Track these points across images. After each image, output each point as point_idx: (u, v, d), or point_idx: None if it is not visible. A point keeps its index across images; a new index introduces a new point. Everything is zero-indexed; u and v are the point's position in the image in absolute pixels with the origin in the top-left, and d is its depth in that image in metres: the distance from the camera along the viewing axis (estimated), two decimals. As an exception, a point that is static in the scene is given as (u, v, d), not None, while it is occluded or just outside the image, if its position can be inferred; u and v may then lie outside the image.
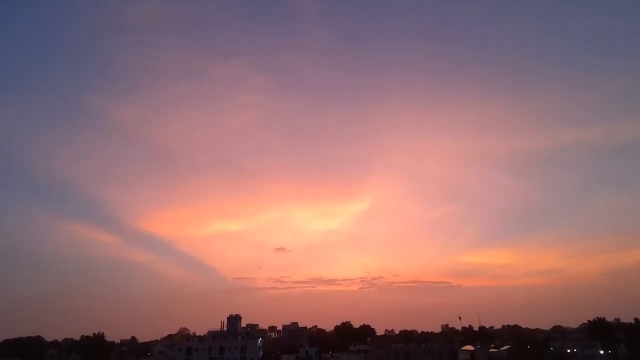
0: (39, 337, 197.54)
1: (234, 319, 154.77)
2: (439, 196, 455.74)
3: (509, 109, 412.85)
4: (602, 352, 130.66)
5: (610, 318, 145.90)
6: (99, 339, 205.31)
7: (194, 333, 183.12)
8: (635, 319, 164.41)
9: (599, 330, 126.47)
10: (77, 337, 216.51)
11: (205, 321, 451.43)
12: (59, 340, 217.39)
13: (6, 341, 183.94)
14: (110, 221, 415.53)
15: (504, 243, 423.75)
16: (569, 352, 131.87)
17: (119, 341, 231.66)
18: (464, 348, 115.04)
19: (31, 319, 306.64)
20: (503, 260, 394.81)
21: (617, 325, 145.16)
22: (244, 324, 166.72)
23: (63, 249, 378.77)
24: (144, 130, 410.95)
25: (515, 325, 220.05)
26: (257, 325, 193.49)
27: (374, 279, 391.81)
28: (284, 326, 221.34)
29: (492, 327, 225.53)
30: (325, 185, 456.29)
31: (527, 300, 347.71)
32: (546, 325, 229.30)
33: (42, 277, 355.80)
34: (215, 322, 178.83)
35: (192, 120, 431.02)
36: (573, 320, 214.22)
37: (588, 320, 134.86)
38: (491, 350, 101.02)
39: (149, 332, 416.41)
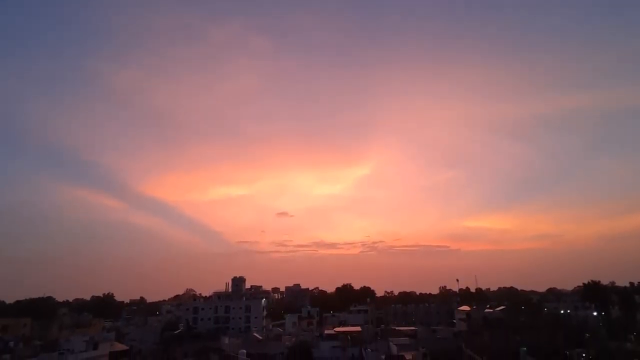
0: (50, 297, 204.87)
1: (238, 281, 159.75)
2: (440, 161, 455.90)
3: (512, 74, 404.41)
4: (595, 313, 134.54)
5: (605, 282, 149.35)
6: (108, 298, 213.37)
7: (200, 294, 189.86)
8: (631, 283, 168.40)
9: (594, 292, 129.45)
10: (88, 298, 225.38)
11: (211, 283, 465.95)
12: (70, 300, 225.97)
13: (18, 302, 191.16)
14: (114, 186, 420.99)
15: (504, 208, 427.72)
16: (562, 313, 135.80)
17: (128, 301, 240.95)
18: (460, 308, 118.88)
19: (42, 280, 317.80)
20: (502, 225, 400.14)
21: (612, 289, 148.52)
22: (247, 285, 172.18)
23: (69, 214, 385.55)
24: (142, 95, 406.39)
25: (511, 288, 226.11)
26: (261, 286, 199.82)
27: (374, 243, 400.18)
28: (286, 287, 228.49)
29: (489, 289, 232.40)
30: (327, 151, 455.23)
31: (524, 263, 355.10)
32: (542, 288, 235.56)
33: (50, 241, 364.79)
34: (220, 283, 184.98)
35: (191, 85, 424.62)
36: (569, 284, 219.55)
37: (583, 283, 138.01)
38: (486, 310, 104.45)
39: (157, 292, 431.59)
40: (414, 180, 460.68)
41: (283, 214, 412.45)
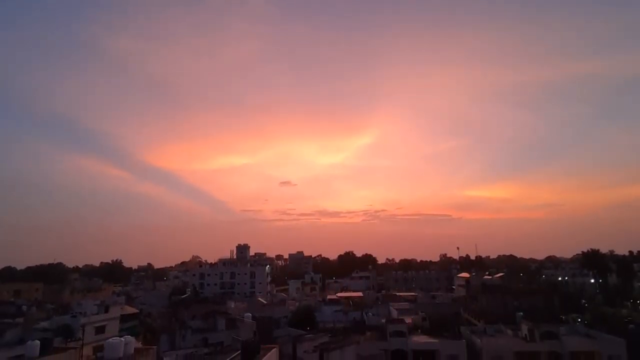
0: (60, 263, 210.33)
1: (242, 248, 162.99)
2: (444, 130, 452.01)
3: (519, 40, 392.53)
4: (592, 280, 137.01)
5: (604, 250, 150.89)
6: (117, 264, 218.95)
7: (206, 260, 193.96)
8: (630, 252, 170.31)
9: (592, 260, 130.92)
10: (97, 264, 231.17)
11: (216, 250, 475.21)
12: (80, 266, 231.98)
13: (29, 268, 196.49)
14: (117, 155, 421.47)
15: (506, 177, 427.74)
16: (560, 280, 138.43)
17: (136, 267, 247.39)
18: (459, 275, 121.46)
19: (51, 247, 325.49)
20: (504, 194, 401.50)
21: (611, 257, 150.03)
22: (252, 252, 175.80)
23: (74, 182, 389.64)
24: (141, 62, 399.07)
25: (511, 255, 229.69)
26: (265, 253, 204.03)
27: (376, 211, 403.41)
28: (289, 255, 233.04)
29: (488, 257, 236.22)
30: (330, 120, 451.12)
31: (524, 232, 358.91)
32: (541, 256, 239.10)
33: (57, 209, 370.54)
34: (225, 251, 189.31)
35: (191, 51, 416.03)
36: (568, 252, 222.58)
37: (582, 252, 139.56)
38: (485, 277, 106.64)
39: (164, 259, 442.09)
40: (417, 149, 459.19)
41: (286, 183, 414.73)
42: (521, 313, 60.20)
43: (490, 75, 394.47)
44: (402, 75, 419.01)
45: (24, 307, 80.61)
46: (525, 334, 49.46)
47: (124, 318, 70.48)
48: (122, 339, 25.85)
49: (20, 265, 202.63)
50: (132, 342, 26.08)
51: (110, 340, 26.10)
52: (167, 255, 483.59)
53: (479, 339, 49.06)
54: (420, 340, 50.75)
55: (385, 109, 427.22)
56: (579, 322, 68.71)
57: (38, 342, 26.22)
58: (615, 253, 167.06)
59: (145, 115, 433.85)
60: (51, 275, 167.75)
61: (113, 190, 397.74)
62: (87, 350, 50.37)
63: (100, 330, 59.59)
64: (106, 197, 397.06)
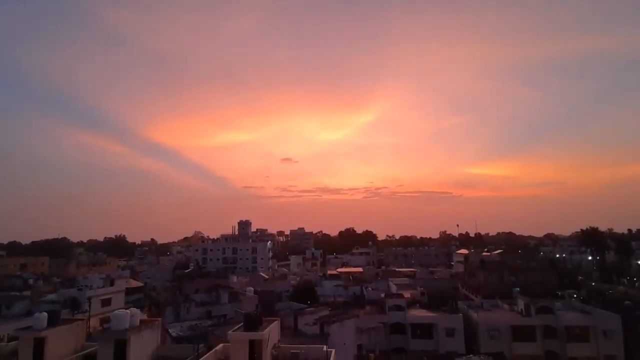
0: (64, 238, 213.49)
1: (244, 224, 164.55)
2: (447, 107, 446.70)
3: (525, 15, 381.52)
4: (590, 258, 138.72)
5: (603, 228, 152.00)
6: (121, 240, 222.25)
7: (208, 236, 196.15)
8: (629, 230, 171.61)
9: (591, 238, 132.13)
10: (101, 239, 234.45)
11: (218, 226, 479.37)
12: (84, 241, 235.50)
13: (34, 243, 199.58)
14: (117, 131, 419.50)
15: (508, 155, 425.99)
16: (557, 257, 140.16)
17: (139, 242, 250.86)
18: (458, 251, 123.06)
19: (54, 222, 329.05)
20: (506, 172, 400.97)
21: (609, 235, 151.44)
22: (253, 228, 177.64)
23: (74, 158, 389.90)
24: (141, 36, 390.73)
25: (510, 233, 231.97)
26: (266, 230, 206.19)
27: (377, 189, 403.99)
28: (291, 231, 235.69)
29: (488, 234, 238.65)
30: (332, 96, 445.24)
31: (524, 210, 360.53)
32: (540, 234, 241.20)
33: (60, 185, 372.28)
34: (227, 227, 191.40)
35: (190, 26, 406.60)
36: (568, 230, 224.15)
37: (581, 229, 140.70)
38: (484, 254, 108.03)
39: (167, 235, 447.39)
40: (419, 126, 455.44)
41: (287, 159, 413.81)
42: (518, 288, 61.28)
43: (494, 51, 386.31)
44: (406, 51, 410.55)
45: (31, 281, 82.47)
46: (522, 309, 50.56)
47: (129, 291, 72.24)
48: (128, 311, 26.53)
49: (25, 240, 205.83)
50: (137, 314, 26.76)
51: (116, 312, 26.77)
52: (169, 231, 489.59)
53: (476, 313, 50.20)
54: (418, 314, 51.99)
55: (387, 85, 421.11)
56: (574, 298, 70.02)
57: (46, 314, 26.84)
58: (614, 231, 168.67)
59: (145, 90, 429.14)
60: (56, 249, 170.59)
61: (114, 166, 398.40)
62: (94, 322, 51.87)
63: (106, 302, 61.16)
64: (108, 173, 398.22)
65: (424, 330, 49.28)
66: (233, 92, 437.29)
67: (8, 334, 38.81)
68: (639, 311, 52.14)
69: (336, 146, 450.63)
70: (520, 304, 51.16)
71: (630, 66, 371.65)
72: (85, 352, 26.09)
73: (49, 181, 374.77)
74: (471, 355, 31.94)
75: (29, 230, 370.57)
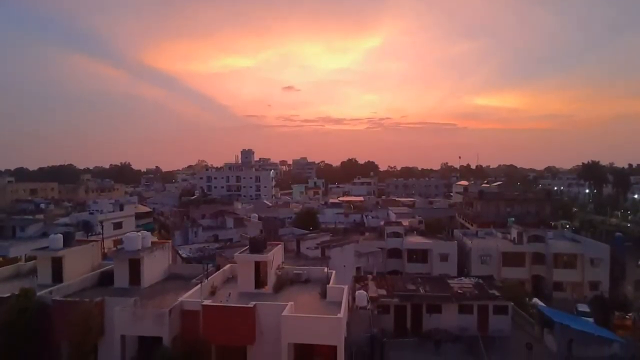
0: (71, 164, 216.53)
1: (247, 153, 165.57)
2: (458, 32, 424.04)
3: None
4: (587, 191, 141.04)
5: (605, 163, 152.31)
6: (126, 167, 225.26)
7: (212, 165, 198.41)
8: (630, 164, 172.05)
9: (590, 171, 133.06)
10: (106, 166, 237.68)
11: (221, 155, 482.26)
12: (90, 167, 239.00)
13: (41, 169, 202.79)
14: (112, 54, 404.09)
15: (518, 85, 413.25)
16: (555, 189, 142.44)
17: (144, 170, 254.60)
18: (458, 183, 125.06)
19: (59, 149, 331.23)
20: (513, 104, 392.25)
21: (609, 169, 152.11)
22: (256, 158, 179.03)
23: (72, 84, 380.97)
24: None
25: (511, 165, 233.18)
26: (269, 159, 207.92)
27: (381, 119, 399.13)
28: (293, 160, 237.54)
29: (489, 166, 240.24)
30: (336, 18, 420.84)
31: (528, 143, 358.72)
32: (541, 167, 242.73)
33: (60, 112, 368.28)
34: (230, 155, 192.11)
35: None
36: (570, 163, 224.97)
37: (582, 163, 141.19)
38: (483, 185, 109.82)
39: (171, 162, 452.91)
40: (428, 52, 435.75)
41: (289, 88, 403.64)
42: (513, 218, 63.29)
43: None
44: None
45: (42, 205, 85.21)
46: (514, 237, 52.76)
47: (138, 216, 75.12)
48: (139, 233, 27.90)
49: (32, 167, 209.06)
50: (148, 237, 28.18)
51: (128, 234, 28.19)
52: (173, 159, 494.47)
53: (470, 241, 52.52)
54: (415, 240, 54.43)
55: (395, 7, 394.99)
56: (567, 228, 72.53)
57: (61, 235, 28.32)
58: (615, 165, 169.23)
59: (138, 10, 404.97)
60: (63, 175, 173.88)
61: (110, 91, 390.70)
62: (107, 244, 54.71)
63: (117, 226, 63.98)
64: (107, 99, 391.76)
65: (420, 255, 51.97)
66: (232, 12, 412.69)
67: (26, 255, 41.27)
68: (629, 242, 54.20)
69: (340, 74, 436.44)
70: (514, 233, 53.26)
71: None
72: (101, 270, 27.96)
73: (50, 108, 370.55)
74: (462, 278, 34.07)
75: (35, 157, 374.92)
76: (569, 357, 22.30)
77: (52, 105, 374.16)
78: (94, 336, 18.52)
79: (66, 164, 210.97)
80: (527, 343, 25.25)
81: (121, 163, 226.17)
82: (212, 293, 23.74)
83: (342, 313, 20.02)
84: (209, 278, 24.43)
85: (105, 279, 26.55)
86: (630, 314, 35.21)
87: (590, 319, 32.98)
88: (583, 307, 39.56)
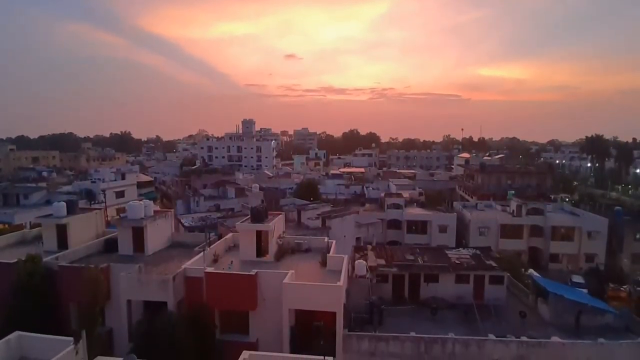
0: (71, 133, 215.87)
1: (248, 123, 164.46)
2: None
3: None
4: (589, 164, 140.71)
5: (609, 136, 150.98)
6: (126, 136, 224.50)
7: (212, 134, 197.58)
8: (633, 138, 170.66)
9: (593, 145, 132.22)
10: (107, 134, 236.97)
11: (222, 124, 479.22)
12: (91, 136, 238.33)
13: (42, 137, 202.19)
14: (111, 20, 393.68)
15: (525, 55, 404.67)
16: (557, 163, 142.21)
17: (145, 139, 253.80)
18: (460, 155, 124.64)
19: (59, 117, 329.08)
20: (520, 75, 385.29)
21: (613, 143, 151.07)
22: (257, 128, 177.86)
23: (68, 50, 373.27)
24: None
25: (514, 138, 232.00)
26: (270, 129, 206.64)
27: (384, 89, 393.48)
28: (295, 131, 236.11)
29: (492, 138, 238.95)
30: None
31: (533, 115, 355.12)
32: (544, 140, 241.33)
33: (60, 80, 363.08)
34: (231, 125, 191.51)
35: None
36: (573, 137, 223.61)
37: (586, 136, 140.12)
38: (485, 158, 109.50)
39: (171, 132, 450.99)
40: (435, 20, 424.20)
41: (291, 56, 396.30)
42: (513, 191, 63.50)
43: None
44: None
45: (45, 173, 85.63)
46: (513, 210, 53.15)
47: (140, 185, 75.57)
48: (142, 202, 28.18)
49: (33, 135, 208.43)
50: (151, 205, 28.46)
51: (131, 202, 28.47)
52: (174, 128, 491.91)
53: (469, 213, 52.97)
54: (415, 212, 54.90)
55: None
56: (566, 201, 72.90)
57: (64, 203, 28.62)
58: (619, 139, 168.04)
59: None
60: (64, 144, 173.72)
61: (109, 58, 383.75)
62: (110, 212, 55.37)
63: (120, 194, 64.51)
64: (104, 66, 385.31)
65: (419, 226, 52.59)
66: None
67: (30, 222, 41.85)
68: (628, 216, 54.55)
69: (343, 42, 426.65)
70: (513, 206, 53.63)
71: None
72: (106, 237, 28.45)
73: (49, 76, 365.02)
74: (460, 249, 34.60)
75: (35, 125, 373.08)
76: (577, 328, 22.96)
77: (52, 73, 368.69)
78: (101, 300, 19.12)
79: (66, 132, 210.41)
80: (520, 311, 25.93)
81: (122, 132, 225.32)
82: (215, 261, 24.25)
83: (342, 281, 20.50)
84: (211, 246, 24.88)
85: (110, 246, 27.07)
86: (625, 286, 35.96)
87: (585, 290, 33.75)
88: (577, 279, 40.42)
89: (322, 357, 13.37)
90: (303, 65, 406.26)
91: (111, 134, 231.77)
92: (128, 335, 20.55)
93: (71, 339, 13.51)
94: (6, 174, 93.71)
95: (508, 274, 29.28)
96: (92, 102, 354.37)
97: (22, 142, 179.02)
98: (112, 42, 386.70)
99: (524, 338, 21.17)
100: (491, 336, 21.33)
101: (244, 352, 13.57)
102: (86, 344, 12.60)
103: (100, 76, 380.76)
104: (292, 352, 18.72)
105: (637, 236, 49.64)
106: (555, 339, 21.15)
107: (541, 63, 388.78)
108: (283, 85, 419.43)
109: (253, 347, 19.60)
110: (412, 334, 21.32)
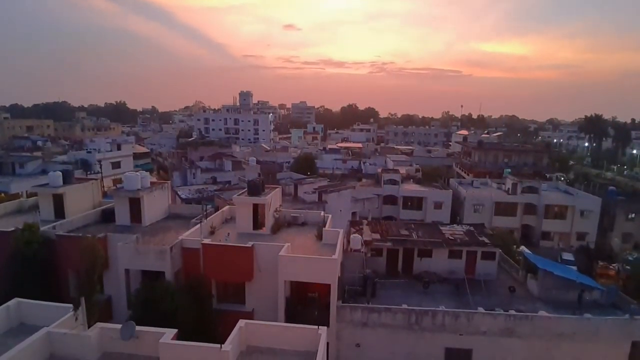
0: (65, 102, 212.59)
1: (245, 95, 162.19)
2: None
3: None
4: (587, 144, 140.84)
5: (608, 116, 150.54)
6: (121, 106, 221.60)
7: (209, 106, 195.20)
8: (632, 119, 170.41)
9: (592, 125, 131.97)
10: (101, 104, 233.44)
11: (218, 96, 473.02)
12: (85, 105, 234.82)
13: (35, 105, 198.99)
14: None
15: (529, 31, 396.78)
16: (555, 142, 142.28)
17: (140, 109, 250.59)
18: (458, 132, 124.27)
19: (53, 85, 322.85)
20: (523, 51, 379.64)
21: (611, 123, 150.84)
22: (254, 100, 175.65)
23: (61, 18, 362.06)
24: None
25: (513, 116, 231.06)
26: (268, 102, 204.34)
27: (384, 63, 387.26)
28: (292, 104, 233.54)
29: (491, 116, 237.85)
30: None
31: (534, 93, 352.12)
32: (544, 118, 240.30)
33: (52, 48, 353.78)
34: (228, 97, 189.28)
35: None
36: (572, 116, 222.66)
37: (585, 116, 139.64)
38: (483, 135, 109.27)
39: (167, 103, 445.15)
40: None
41: (290, 26, 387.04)
42: (509, 169, 63.80)
43: None
44: None
45: (40, 142, 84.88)
46: (509, 188, 53.57)
47: (136, 156, 75.23)
48: (138, 173, 28.11)
49: (26, 103, 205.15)
50: (147, 177, 28.42)
51: (127, 173, 28.41)
52: (170, 99, 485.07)
53: (465, 190, 53.35)
54: (411, 188, 55.22)
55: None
56: (561, 180, 73.43)
57: (60, 172, 28.49)
58: (618, 120, 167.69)
59: None
60: (58, 112, 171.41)
61: (103, 26, 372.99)
62: (106, 183, 55.32)
63: (116, 165, 64.29)
64: (99, 34, 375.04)
65: (415, 202, 53.04)
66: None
67: (27, 191, 41.81)
68: (622, 196, 55.20)
69: (344, 13, 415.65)
70: (508, 183, 54.02)
71: None
72: (103, 207, 28.54)
73: (42, 44, 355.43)
74: (454, 225, 35.05)
75: (29, 94, 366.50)
76: (580, 306, 23.62)
77: (45, 41, 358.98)
78: (99, 268, 19.35)
79: (60, 100, 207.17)
80: (510, 286, 26.61)
81: (116, 102, 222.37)
82: (212, 233, 24.49)
83: (337, 254, 20.84)
84: (208, 218, 25.05)
85: (107, 217, 27.20)
86: (614, 265, 36.76)
87: (574, 267, 34.51)
88: (567, 256, 41.26)
89: (316, 327, 13.75)
90: (302, 36, 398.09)
91: (106, 103, 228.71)
92: (127, 303, 20.98)
93: (70, 305, 13.78)
94: (1, 142, 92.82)
95: (500, 250, 29.83)
96: (87, 70, 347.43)
97: (15, 111, 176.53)
98: (106, 8, 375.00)
99: (511, 311, 21.82)
100: (480, 309, 21.97)
101: (240, 320, 13.92)
102: (85, 311, 12.85)
103: (95, 44, 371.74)
104: (287, 321, 19.22)
105: (629, 216, 50.46)
106: (542, 313, 21.82)
107: (544, 40, 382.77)
108: (281, 56, 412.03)
109: (249, 316, 20.12)
110: (404, 306, 21.92)
